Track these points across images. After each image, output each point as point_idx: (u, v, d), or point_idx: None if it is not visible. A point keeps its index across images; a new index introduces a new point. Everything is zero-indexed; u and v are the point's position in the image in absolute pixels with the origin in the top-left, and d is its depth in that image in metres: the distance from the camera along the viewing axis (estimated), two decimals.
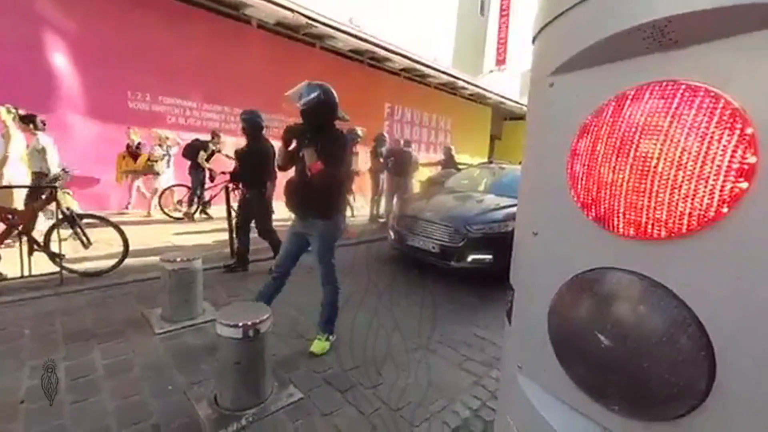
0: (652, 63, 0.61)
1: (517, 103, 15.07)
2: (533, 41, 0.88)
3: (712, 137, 0.53)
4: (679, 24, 0.55)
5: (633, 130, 0.61)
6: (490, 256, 3.84)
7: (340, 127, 2.46)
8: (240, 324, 1.80)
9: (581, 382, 0.71)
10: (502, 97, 14.46)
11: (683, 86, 0.56)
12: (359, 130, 6.13)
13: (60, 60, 5.74)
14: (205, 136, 6.59)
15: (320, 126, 2.30)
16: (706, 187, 0.53)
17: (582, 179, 0.69)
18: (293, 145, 2.41)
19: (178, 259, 2.73)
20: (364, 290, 3.71)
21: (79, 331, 2.56)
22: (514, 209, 2.63)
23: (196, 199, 6.43)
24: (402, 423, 1.90)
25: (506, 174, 5.49)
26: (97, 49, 6.01)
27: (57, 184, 3.31)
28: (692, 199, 0.54)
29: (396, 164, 6.77)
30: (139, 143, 6.10)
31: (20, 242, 3.13)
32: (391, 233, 4.73)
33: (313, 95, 2.22)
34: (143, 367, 2.21)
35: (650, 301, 0.61)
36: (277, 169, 2.65)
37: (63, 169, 3.48)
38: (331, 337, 2.59)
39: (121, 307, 2.99)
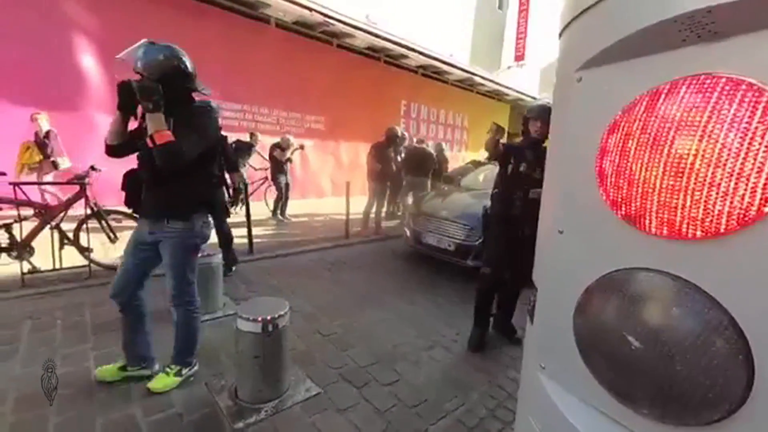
0: (688, 56, 0.58)
1: (536, 99, 14.76)
2: (560, 35, 0.86)
3: (754, 133, 0.50)
4: (720, 14, 0.53)
5: (667, 126, 0.59)
6: None
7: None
8: (259, 318, 1.84)
9: (609, 385, 0.69)
10: (521, 93, 14.21)
11: (723, 80, 0.54)
12: (399, 130, 6.01)
13: (86, 60, 5.94)
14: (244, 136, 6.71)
15: (172, 98, 1.71)
16: (747, 185, 0.51)
17: (611, 177, 0.67)
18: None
19: (198, 255, 2.79)
20: (380, 287, 3.73)
21: (107, 322, 2.66)
22: None
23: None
24: (418, 421, 1.90)
25: None
26: (120, 47, 6.19)
27: (85, 181, 3.44)
28: (731, 198, 0.52)
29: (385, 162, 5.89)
30: (48, 132, 4.93)
31: (51, 236, 3.26)
32: (407, 231, 4.72)
33: (157, 56, 1.71)
34: (167, 359, 2.27)
35: (684, 303, 0.59)
36: (108, 150, 1.86)
37: (91, 167, 3.59)
38: (184, 371, 2.05)
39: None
